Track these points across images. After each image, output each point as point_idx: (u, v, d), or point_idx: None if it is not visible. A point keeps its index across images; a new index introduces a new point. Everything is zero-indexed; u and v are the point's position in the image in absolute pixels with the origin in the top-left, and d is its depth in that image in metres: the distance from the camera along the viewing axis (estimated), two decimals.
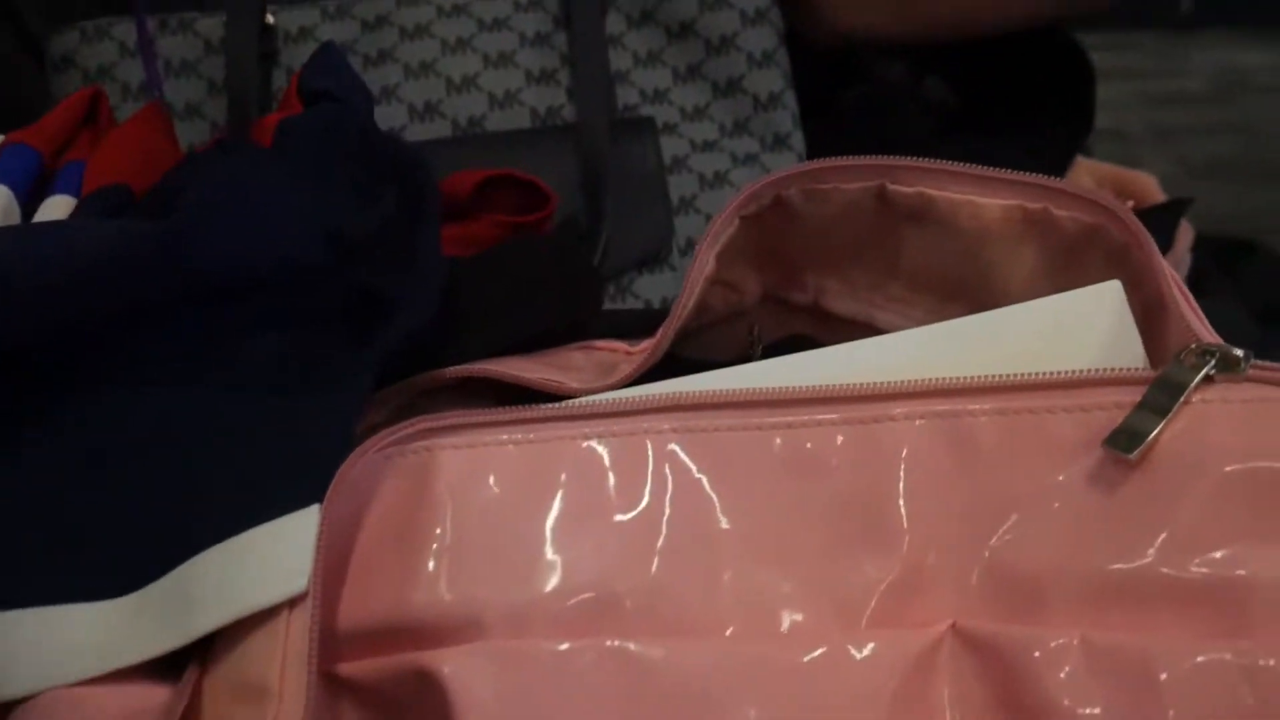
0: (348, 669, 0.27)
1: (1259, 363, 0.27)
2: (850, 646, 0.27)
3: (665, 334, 0.35)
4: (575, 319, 0.39)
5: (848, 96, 0.62)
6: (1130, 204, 0.76)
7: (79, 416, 0.28)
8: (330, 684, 0.27)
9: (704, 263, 0.36)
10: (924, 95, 0.62)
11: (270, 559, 0.25)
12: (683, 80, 0.60)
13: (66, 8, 0.58)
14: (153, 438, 0.28)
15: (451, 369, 0.35)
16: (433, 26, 0.59)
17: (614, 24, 0.60)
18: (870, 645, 0.27)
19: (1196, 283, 0.66)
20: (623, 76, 0.60)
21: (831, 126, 0.63)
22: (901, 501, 0.28)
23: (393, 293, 0.34)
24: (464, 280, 0.39)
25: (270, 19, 0.58)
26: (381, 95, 0.58)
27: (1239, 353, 0.27)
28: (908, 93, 0.62)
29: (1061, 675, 0.25)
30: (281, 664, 0.24)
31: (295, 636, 0.25)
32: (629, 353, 0.37)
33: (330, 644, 0.27)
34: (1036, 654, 0.26)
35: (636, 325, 0.40)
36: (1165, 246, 0.66)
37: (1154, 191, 0.78)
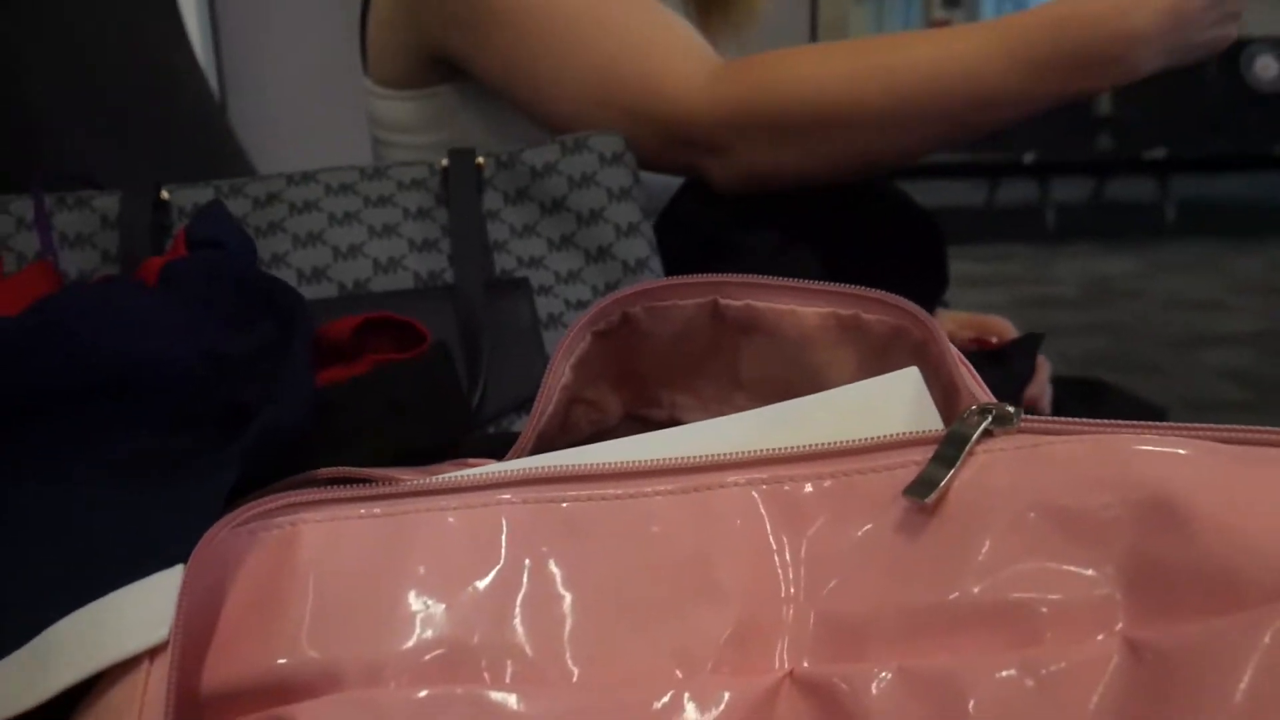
0: None
1: (1029, 417, 0.31)
2: (695, 692, 0.28)
3: (526, 437, 0.38)
4: (446, 435, 0.42)
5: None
6: (995, 339, 0.84)
7: None
8: None
9: (560, 370, 0.39)
10: (792, 258, 0.68)
11: (131, 614, 0.26)
12: (557, 248, 0.65)
13: None
14: (25, 523, 0.30)
15: (327, 470, 0.37)
16: (321, 202, 0.63)
17: (492, 200, 0.66)
18: (714, 691, 0.28)
19: (1058, 412, 0.71)
20: (501, 245, 0.65)
21: None
22: (735, 561, 0.31)
23: (260, 404, 0.36)
24: (339, 403, 0.42)
25: (165, 195, 0.62)
26: (271, 262, 0.61)
27: (1011, 409, 0.31)
28: (775, 258, 0.67)
29: (884, 704, 0.28)
30: (139, 715, 0.25)
31: (154, 688, 0.26)
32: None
33: (192, 707, 0.28)
34: (860, 687, 0.28)
35: (512, 444, 0.43)
36: (1027, 372, 0.72)
37: (1009, 329, 0.87)
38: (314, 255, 0.62)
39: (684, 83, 0.66)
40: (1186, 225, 5.13)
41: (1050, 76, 0.60)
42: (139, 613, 0.26)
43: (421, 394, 0.42)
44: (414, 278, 0.62)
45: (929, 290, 0.80)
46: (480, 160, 0.66)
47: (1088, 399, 0.82)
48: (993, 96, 0.62)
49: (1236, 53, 5.40)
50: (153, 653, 0.26)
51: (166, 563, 0.28)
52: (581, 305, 0.64)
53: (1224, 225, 5.22)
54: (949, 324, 0.91)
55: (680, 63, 0.67)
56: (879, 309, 0.38)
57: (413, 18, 0.74)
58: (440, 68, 0.76)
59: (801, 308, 0.39)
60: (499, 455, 0.42)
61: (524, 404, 0.58)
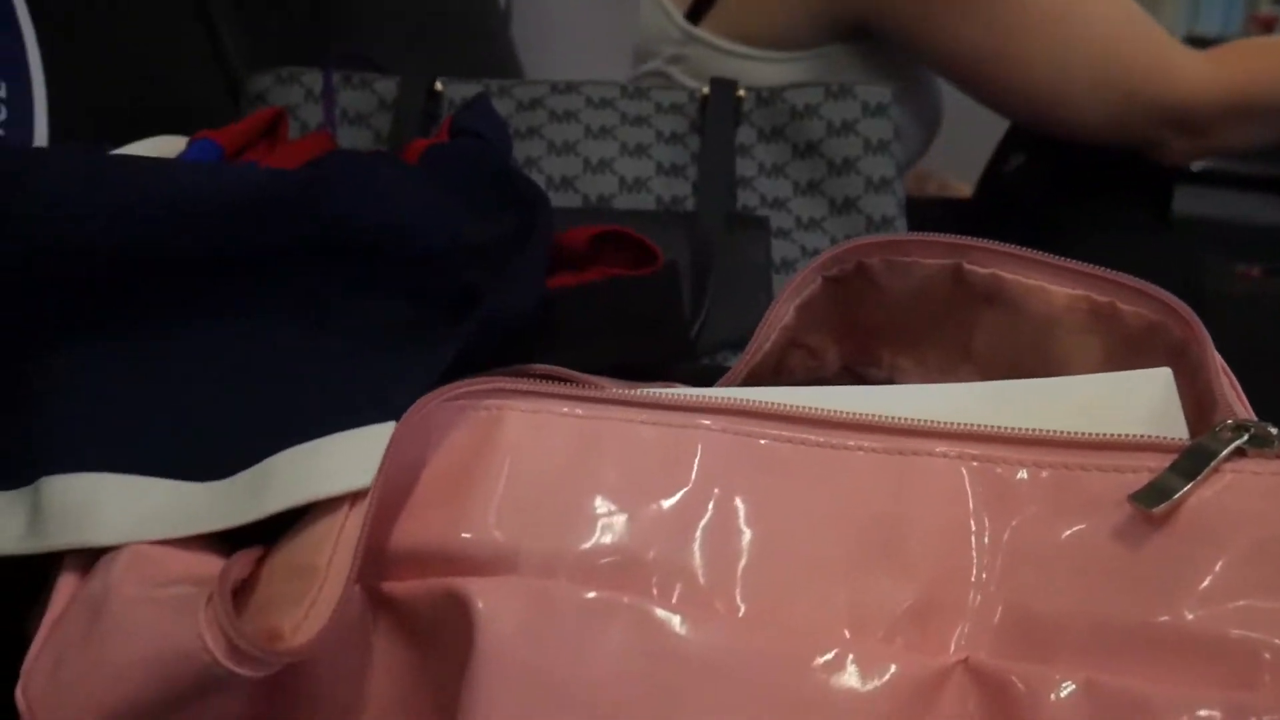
0: (390, 587, 0.29)
1: None
2: (862, 656, 0.27)
3: (737, 370, 0.38)
4: (662, 355, 0.42)
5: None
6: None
7: (208, 328, 0.32)
8: (373, 597, 0.30)
9: (783, 311, 0.38)
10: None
11: (342, 458, 0.28)
12: (803, 193, 0.64)
13: (267, 54, 0.66)
14: (265, 358, 0.32)
15: (539, 365, 0.38)
16: (580, 114, 0.64)
17: (745, 135, 0.65)
18: (881, 660, 0.27)
19: None
20: (747, 182, 0.64)
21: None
22: (929, 535, 0.29)
23: (492, 292, 0.37)
24: (563, 307, 0.42)
25: (439, 87, 0.65)
26: (525, 164, 0.63)
27: (1273, 430, 0.28)
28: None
29: (1062, 714, 0.26)
30: (332, 550, 0.27)
31: (350, 529, 0.27)
32: None
33: (379, 562, 0.29)
34: (1040, 691, 0.26)
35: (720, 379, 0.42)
36: None
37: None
38: (565, 164, 0.63)
39: (1190, 69, 0.74)
40: None
41: None
42: (349, 458, 0.28)
43: (644, 310, 0.42)
44: (656, 200, 0.62)
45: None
46: (741, 93, 0.65)
47: None
48: None
49: None
50: (354, 498, 0.28)
51: (382, 418, 0.30)
52: (818, 254, 0.63)
53: None
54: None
55: (1180, 51, 0.75)
56: (1139, 300, 0.34)
57: None
58: (837, 27, 0.76)
59: (1052, 285, 0.36)
60: (707, 386, 0.42)
61: (742, 342, 0.58)
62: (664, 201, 0.62)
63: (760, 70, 0.78)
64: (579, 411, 0.31)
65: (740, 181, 0.64)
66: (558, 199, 0.62)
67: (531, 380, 0.31)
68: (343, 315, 0.33)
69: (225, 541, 0.30)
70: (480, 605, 0.27)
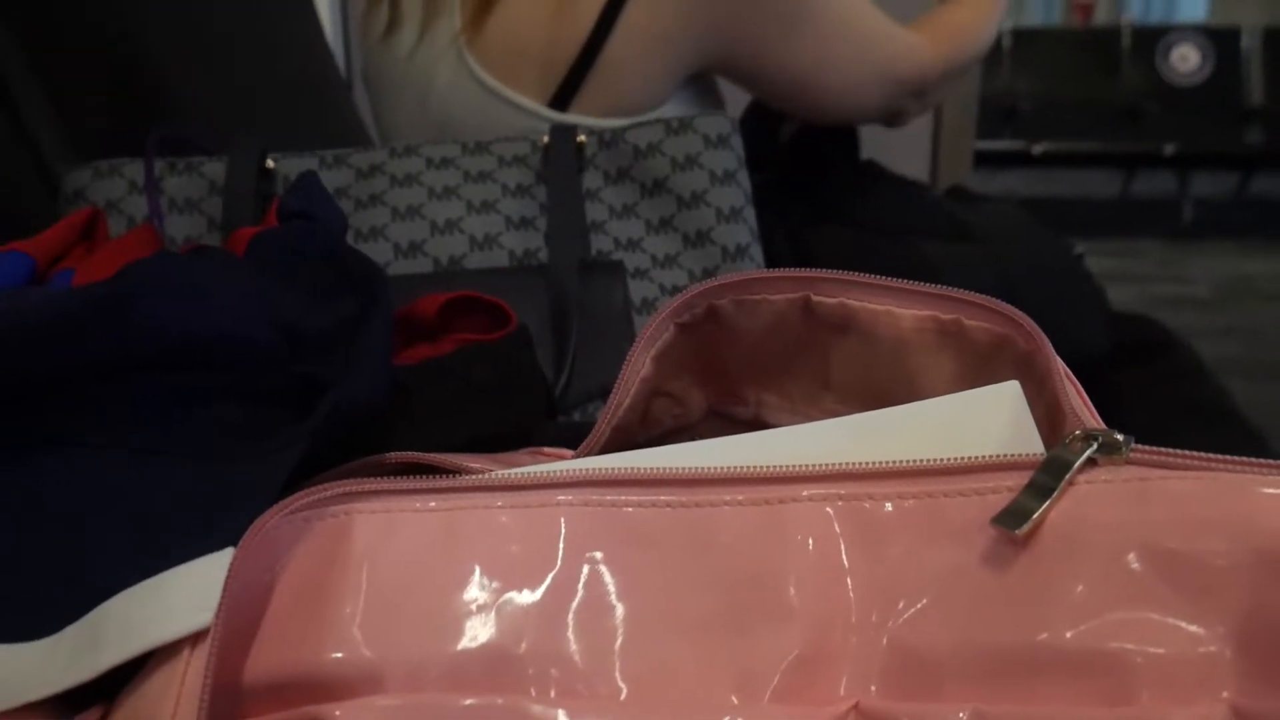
0: None
1: (1139, 447, 0.28)
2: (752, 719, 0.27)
3: (600, 429, 0.37)
4: (522, 421, 0.41)
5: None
6: None
7: (26, 465, 0.30)
8: None
9: (640, 363, 0.37)
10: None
11: (177, 597, 0.26)
12: (655, 231, 0.64)
13: (84, 148, 0.63)
14: (89, 492, 0.29)
15: (395, 455, 0.36)
16: (422, 176, 0.63)
17: (592, 180, 0.64)
18: None
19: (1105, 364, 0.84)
20: (599, 226, 0.63)
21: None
22: (805, 580, 0.29)
23: (336, 381, 0.35)
24: (415, 385, 0.41)
25: (270, 164, 0.62)
26: (370, 234, 0.61)
27: (1120, 437, 0.28)
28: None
29: None
30: (175, 702, 0.25)
31: (193, 675, 0.25)
32: (568, 456, 0.38)
33: (232, 697, 0.27)
34: None
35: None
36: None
37: None
38: (412, 229, 0.62)
39: (918, 46, 0.90)
40: None
41: None
42: (185, 595, 0.26)
43: (499, 378, 0.41)
44: (509, 256, 0.61)
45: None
46: (582, 138, 0.64)
47: (1141, 351, 0.86)
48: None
49: None
50: (195, 638, 0.26)
51: (221, 543, 0.28)
52: (677, 290, 0.63)
53: None
54: None
55: (906, 32, 0.90)
56: (983, 315, 0.35)
57: (698, 38, 0.79)
58: (688, 78, 0.82)
59: (899, 309, 0.36)
60: (576, 445, 0.41)
61: (609, 389, 0.57)
62: (517, 256, 0.61)
63: None
64: (432, 505, 0.29)
65: (592, 226, 0.63)
66: (407, 265, 0.61)
67: (378, 479, 0.30)
68: (172, 432, 0.31)
69: (67, 703, 0.27)
70: None
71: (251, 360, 0.34)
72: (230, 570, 0.27)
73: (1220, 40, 4.99)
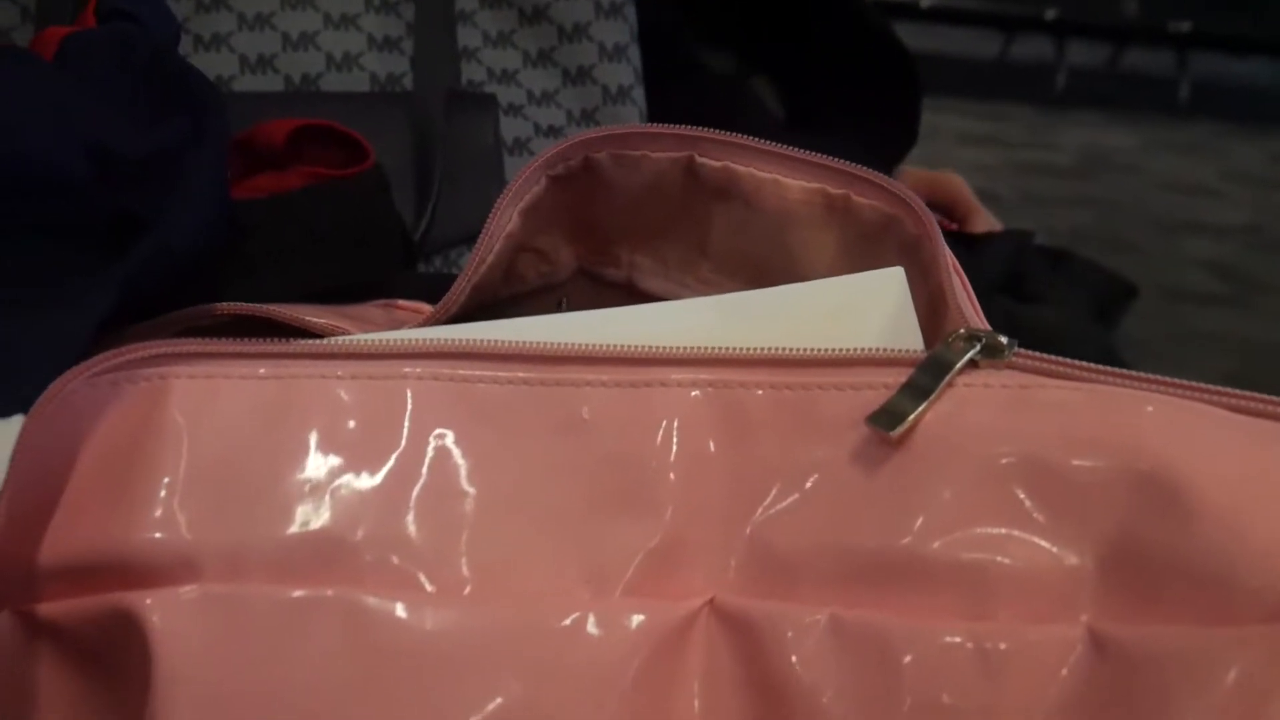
0: (47, 609, 0.25)
1: (1023, 351, 0.27)
2: (604, 615, 0.25)
3: (459, 288, 0.34)
4: (374, 272, 0.38)
5: (681, 90, 0.62)
6: (954, 224, 0.77)
7: None
8: (26, 624, 0.25)
9: (506, 218, 0.34)
10: (751, 91, 0.62)
11: None
12: (533, 64, 0.59)
13: None
14: None
15: (225, 305, 0.33)
16: None
17: (466, 1, 0.59)
18: (624, 614, 0.25)
19: (1022, 283, 0.67)
20: (471, 54, 0.58)
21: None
22: (668, 470, 0.27)
23: (157, 218, 0.31)
24: (254, 223, 0.37)
25: None
26: (211, 43, 0.55)
27: (1004, 339, 0.27)
28: (736, 86, 0.62)
29: (807, 653, 0.25)
30: None
31: None
32: (425, 311, 0.35)
33: (30, 581, 0.24)
34: (786, 631, 0.25)
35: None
36: (997, 278, 0.67)
37: (963, 188, 0.80)
38: (260, 41, 0.55)
39: None
40: (1198, 105, 4.99)
41: None
42: None
43: (349, 223, 0.37)
44: (370, 79, 0.56)
45: (894, 139, 0.74)
46: None
47: (1053, 269, 0.75)
48: None
49: None
50: None
51: (13, 405, 0.24)
52: (553, 131, 0.59)
53: (1235, 110, 5.08)
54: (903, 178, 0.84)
55: None
56: (874, 193, 0.33)
57: None
58: None
59: (786, 178, 0.34)
60: (435, 298, 0.38)
61: (474, 235, 0.53)
62: (379, 80, 0.56)
63: None
64: (262, 371, 0.26)
65: (464, 53, 0.58)
66: (254, 82, 0.55)
67: (200, 340, 0.26)
68: None
69: None
70: (156, 623, 0.23)
71: (55, 189, 0.30)
72: (21, 437, 0.23)
73: None
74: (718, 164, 0.34)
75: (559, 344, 0.28)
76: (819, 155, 0.33)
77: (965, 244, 0.68)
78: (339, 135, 0.46)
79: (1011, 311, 0.60)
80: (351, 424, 0.26)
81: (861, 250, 0.34)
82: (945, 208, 0.77)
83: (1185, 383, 0.26)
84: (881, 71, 0.69)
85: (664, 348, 0.28)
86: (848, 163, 0.33)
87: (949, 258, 0.30)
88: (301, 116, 0.50)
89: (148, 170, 0.33)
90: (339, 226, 0.37)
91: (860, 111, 0.71)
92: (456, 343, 0.27)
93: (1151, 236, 3.01)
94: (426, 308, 0.37)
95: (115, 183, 0.32)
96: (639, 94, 0.60)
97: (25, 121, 0.29)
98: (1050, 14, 4.71)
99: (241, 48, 0.55)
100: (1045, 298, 0.66)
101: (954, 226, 0.75)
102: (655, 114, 0.60)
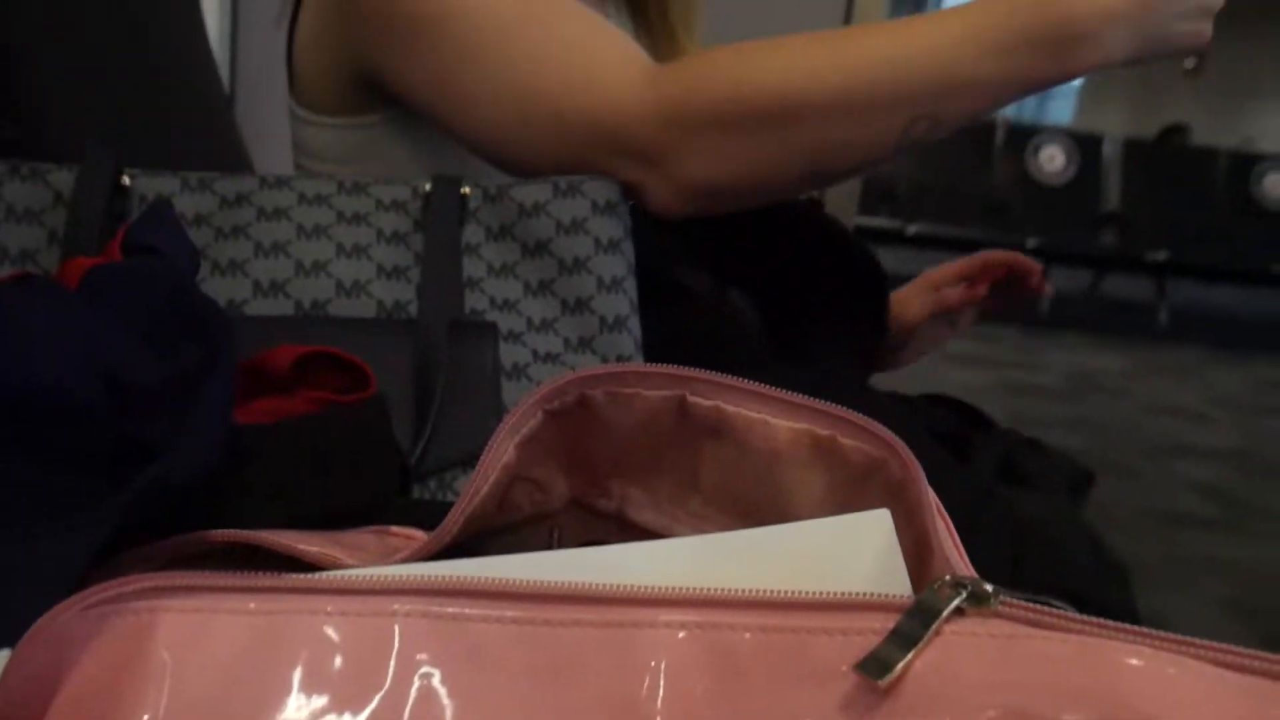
0: None
1: (1008, 599, 0.27)
2: None
3: (453, 519, 0.34)
4: (371, 498, 0.38)
5: (664, 313, 0.65)
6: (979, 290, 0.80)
7: None
8: None
9: (503, 449, 0.35)
10: (731, 304, 0.65)
11: None
12: (533, 294, 0.62)
13: None
14: None
15: (220, 532, 0.33)
16: (291, 211, 0.60)
17: (472, 234, 0.62)
18: None
19: (1012, 469, 0.69)
20: (475, 283, 0.61)
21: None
22: (655, 714, 0.27)
23: (163, 446, 0.32)
24: (256, 448, 0.38)
25: (126, 180, 0.58)
26: (229, 268, 0.58)
27: (989, 587, 0.27)
28: (717, 302, 0.65)
29: None
30: None
31: None
32: (418, 539, 0.36)
33: None
34: None
35: (443, 517, 0.39)
36: (985, 482, 0.69)
37: (1022, 262, 0.84)
38: (275, 267, 0.58)
39: (619, 81, 0.61)
40: (1178, 330, 5.15)
41: (1020, 59, 0.57)
42: None
43: (349, 450, 0.38)
44: (377, 305, 0.58)
45: (866, 335, 0.77)
46: (466, 190, 0.62)
47: (1030, 455, 0.77)
48: (961, 80, 0.58)
49: (1248, 167, 5.45)
50: None
51: (4, 638, 0.24)
52: (550, 358, 0.61)
53: (1215, 335, 5.24)
54: (934, 278, 0.86)
55: (615, 62, 0.62)
56: (860, 436, 0.34)
57: (341, 38, 0.70)
58: (371, 94, 0.71)
59: (775, 419, 0.35)
60: (429, 526, 0.38)
61: (472, 460, 0.54)
62: (385, 307, 0.58)
63: (318, 135, 0.76)
64: (251, 606, 0.26)
65: (468, 283, 0.61)
66: (265, 305, 0.57)
67: (191, 573, 0.26)
68: None
69: None
70: None
71: (67, 416, 0.30)
72: (7, 669, 0.23)
73: (1084, 145, 5.30)
74: (709, 403, 0.35)
75: (548, 583, 0.28)
76: (804, 398, 0.35)
77: (962, 449, 0.70)
78: (343, 361, 0.47)
79: (1011, 501, 0.61)
80: (338, 662, 0.26)
81: (848, 491, 0.34)
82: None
83: (1171, 636, 0.26)
84: (849, 271, 0.73)
85: (652, 588, 0.28)
86: (834, 405, 0.34)
87: (934, 501, 0.31)
88: (310, 340, 0.52)
89: (159, 400, 0.34)
90: (337, 455, 0.38)
91: (836, 314, 0.74)
92: (446, 580, 0.27)
93: (1143, 460, 3.04)
94: (420, 534, 0.38)
95: (126, 411, 0.33)
96: (634, 323, 0.62)
97: (40, 349, 0.30)
98: (1031, 242, 4.92)
99: (256, 273, 0.57)
100: (1033, 483, 0.67)
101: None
102: (644, 338, 0.62)
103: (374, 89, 0.71)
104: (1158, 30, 0.59)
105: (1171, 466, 3.03)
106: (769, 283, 0.70)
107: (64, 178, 0.58)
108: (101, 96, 0.81)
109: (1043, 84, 0.59)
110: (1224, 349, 4.98)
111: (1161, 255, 5.04)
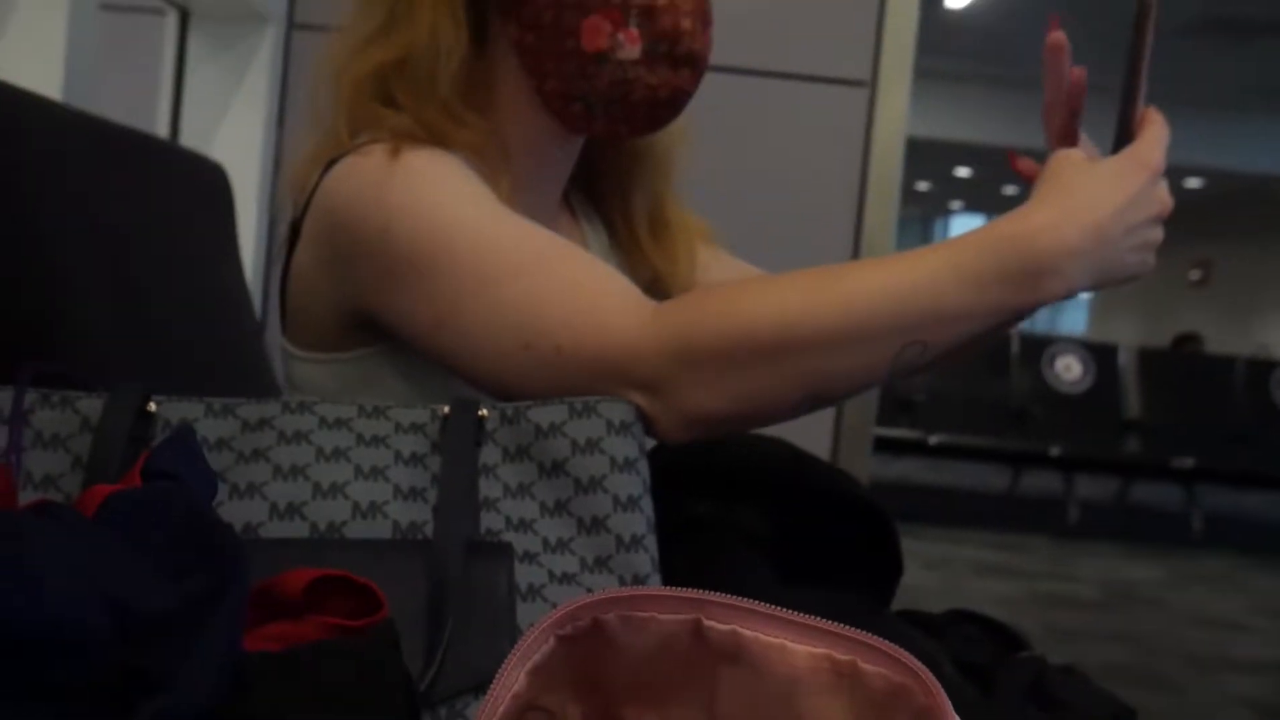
0: None
1: None
2: None
3: None
4: None
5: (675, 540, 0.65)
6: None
7: None
8: None
9: (513, 678, 0.34)
10: (738, 522, 0.66)
11: None
12: (550, 513, 0.62)
13: None
14: None
15: None
16: (312, 435, 0.61)
17: (489, 455, 0.62)
18: None
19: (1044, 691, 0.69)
20: (491, 503, 0.61)
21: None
22: None
23: (169, 678, 0.31)
24: (261, 679, 0.37)
25: (153, 407, 0.59)
26: (247, 491, 0.58)
27: None
28: (723, 523, 0.65)
29: None
30: None
31: None
32: None
33: None
34: None
35: None
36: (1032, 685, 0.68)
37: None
38: (292, 490, 0.58)
39: (620, 315, 0.65)
40: (1212, 537, 5.04)
41: (995, 290, 0.63)
42: None
43: (354, 683, 0.37)
44: (393, 526, 0.58)
45: (883, 577, 0.79)
46: (484, 412, 0.63)
47: (1065, 683, 0.74)
48: (945, 312, 0.63)
49: (1266, 373, 5.48)
50: None
51: None
52: (567, 578, 0.60)
53: (1248, 541, 5.13)
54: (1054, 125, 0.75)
55: (617, 299, 0.66)
56: (881, 661, 0.33)
57: (336, 277, 0.73)
58: (364, 331, 0.73)
59: (793, 644, 0.34)
60: None
61: (483, 686, 0.53)
62: (401, 528, 0.58)
63: (311, 372, 0.77)
64: None
65: (484, 503, 0.61)
66: (280, 528, 0.57)
67: None
68: None
69: None
70: None
71: (71, 647, 0.30)
72: None
73: (1100, 354, 5.37)
74: (725, 628, 0.35)
75: None
76: (825, 622, 0.34)
77: (989, 676, 0.68)
78: (355, 584, 0.47)
79: None
80: None
81: (872, 717, 0.33)
82: None
83: None
84: (860, 521, 0.75)
85: None
86: (854, 630, 0.33)
87: None
88: (325, 562, 0.51)
89: (167, 627, 0.33)
90: (343, 686, 0.37)
91: (849, 560, 0.76)
92: None
93: (1188, 674, 2.92)
94: None
95: (132, 639, 0.32)
96: (651, 542, 0.62)
97: (46, 580, 0.30)
98: (1055, 450, 4.91)
99: (273, 496, 0.58)
100: (1072, 711, 0.67)
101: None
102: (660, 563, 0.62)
103: (368, 326, 0.73)
104: (1111, 263, 0.66)
105: (1218, 680, 2.90)
106: (779, 528, 0.72)
107: (92, 405, 0.59)
108: (139, 327, 0.84)
109: (1018, 311, 0.65)
110: (1255, 554, 4.86)
111: (1189, 462, 5.00)
